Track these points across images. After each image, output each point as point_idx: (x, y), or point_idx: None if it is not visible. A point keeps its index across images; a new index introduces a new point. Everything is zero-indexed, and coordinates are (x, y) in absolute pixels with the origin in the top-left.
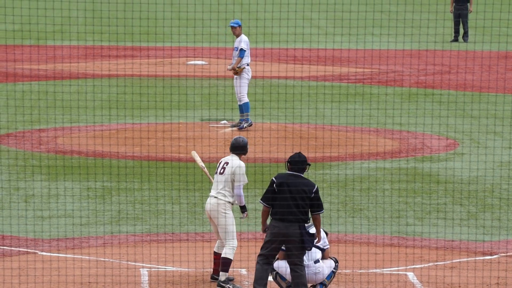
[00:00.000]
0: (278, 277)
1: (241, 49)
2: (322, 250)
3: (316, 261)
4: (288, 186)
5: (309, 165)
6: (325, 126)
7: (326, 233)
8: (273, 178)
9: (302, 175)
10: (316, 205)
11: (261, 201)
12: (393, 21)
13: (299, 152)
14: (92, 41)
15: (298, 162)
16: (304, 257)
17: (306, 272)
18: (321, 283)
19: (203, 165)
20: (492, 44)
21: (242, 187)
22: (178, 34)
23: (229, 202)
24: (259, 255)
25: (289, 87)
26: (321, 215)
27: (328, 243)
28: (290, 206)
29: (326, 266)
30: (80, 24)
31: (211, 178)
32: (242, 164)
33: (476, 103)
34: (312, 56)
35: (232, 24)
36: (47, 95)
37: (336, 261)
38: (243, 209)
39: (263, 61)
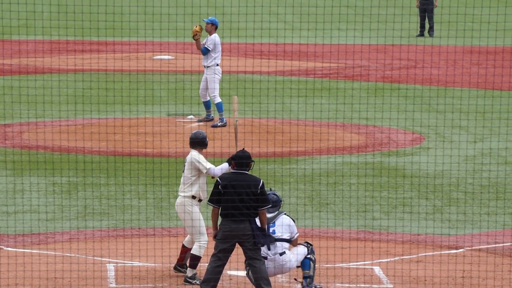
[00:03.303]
0: (251, 272)
1: (205, 47)
2: (289, 241)
3: (282, 253)
4: (233, 187)
5: (253, 161)
6: (292, 120)
7: (294, 220)
8: (218, 179)
9: (247, 172)
10: (261, 200)
11: (209, 203)
12: (359, 16)
13: (243, 149)
14: (58, 35)
15: (242, 158)
16: (268, 251)
17: (273, 265)
18: (305, 277)
19: (238, 119)
20: (457, 39)
21: (213, 170)
22: (144, 28)
23: (193, 196)
24: (212, 255)
25: (256, 82)
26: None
27: (297, 231)
28: (238, 205)
29: (295, 254)
30: (45, 19)
31: (237, 139)
32: (197, 153)
33: (442, 98)
34: (279, 51)
35: (204, 19)
36: (12, 90)
37: (308, 245)
38: (230, 162)
39: (229, 56)
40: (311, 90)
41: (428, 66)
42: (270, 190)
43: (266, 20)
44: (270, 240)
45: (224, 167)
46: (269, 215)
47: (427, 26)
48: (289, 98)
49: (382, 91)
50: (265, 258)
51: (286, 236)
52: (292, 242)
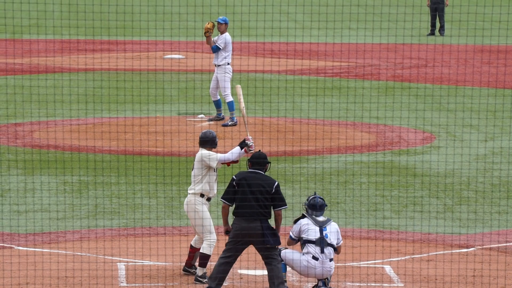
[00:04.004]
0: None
1: (216, 45)
2: (335, 248)
3: (331, 260)
4: (248, 184)
5: (270, 163)
6: (302, 119)
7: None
8: (233, 176)
9: (262, 172)
10: (278, 199)
11: (221, 199)
12: (370, 15)
13: (259, 150)
14: (68, 35)
15: (258, 159)
16: (321, 254)
17: (322, 269)
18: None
19: (244, 106)
20: (468, 37)
21: (223, 156)
22: (155, 28)
23: (201, 195)
24: (222, 253)
25: (266, 81)
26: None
27: (341, 238)
28: (251, 203)
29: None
30: (56, 18)
31: (246, 124)
32: (208, 151)
33: (452, 97)
34: (289, 50)
35: (218, 20)
36: (23, 89)
37: None
38: (242, 145)
39: (240, 55)
40: (322, 89)
41: (439, 65)
42: (315, 194)
43: (276, 19)
44: (324, 244)
45: (235, 150)
46: (320, 218)
47: (438, 25)
48: (299, 97)
49: (393, 90)
50: (316, 259)
51: (335, 242)
52: (336, 249)
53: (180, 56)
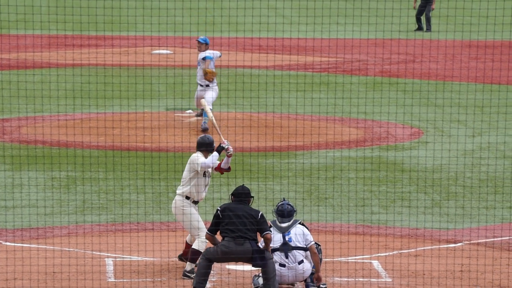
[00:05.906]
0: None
1: (206, 56)
2: (305, 249)
3: (300, 262)
4: (233, 211)
5: (253, 197)
6: (290, 115)
7: (308, 228)
8: (218, 207)
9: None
10: (264, 225)
11: (207, 231)
12: (357, 10)
13: (243, 185)
14: (56, 30)
15: (241, 194)
16: (287, 259)
17: (292, 273)
18: (310, 273)
19: (212, 116)
20: (456, 33)
21: (205, 162)
22: (143, 23)
23: (186, 197)
24: (205, 260)
25: (254, 76)
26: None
27: (311, 240)
28: (238, 226)
29: (311, 262)
30: (44, 13)
31: (218, 130)
32: (199, 154)
33: (440, 92)
34: (277, 45)
35: (198, 39)
36: (10, 85)
37: (317, 245)
38: (219, 150)
39: (228, 50)
40: (310, 84)
41: (426, 60)
42: (284, 200)
43: (264, 14)
44: (288, 248)
45: (214, 155)
46: (284, 225)
47: (423, 20)
48: (287, 93)
49: (381, 86)
50: (283, 266)
51: (301, 244)
52: (309, 249)
53: (168, 52)
